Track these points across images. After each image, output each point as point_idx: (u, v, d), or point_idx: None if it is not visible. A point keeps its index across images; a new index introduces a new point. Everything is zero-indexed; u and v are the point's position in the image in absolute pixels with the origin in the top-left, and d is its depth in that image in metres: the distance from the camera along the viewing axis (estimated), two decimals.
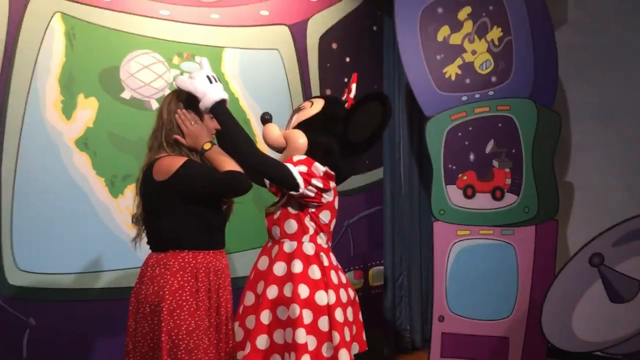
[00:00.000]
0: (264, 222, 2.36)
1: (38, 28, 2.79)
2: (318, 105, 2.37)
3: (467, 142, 3.26)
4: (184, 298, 2.00)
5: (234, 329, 2.26)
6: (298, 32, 3.70)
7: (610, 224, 2.43)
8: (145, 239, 2.15)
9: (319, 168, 2.23)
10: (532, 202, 3.02)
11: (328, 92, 3.78)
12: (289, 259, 2.24)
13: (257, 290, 2.28)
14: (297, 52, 3.70)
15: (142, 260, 2.12)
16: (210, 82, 2.08)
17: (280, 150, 2.37)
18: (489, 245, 3.13)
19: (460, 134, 3.28)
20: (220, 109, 2.10)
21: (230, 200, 2.17)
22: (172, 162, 2.02)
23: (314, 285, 2.20)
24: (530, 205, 3.02)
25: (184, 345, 1.96)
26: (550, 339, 2.52)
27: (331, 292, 2.21)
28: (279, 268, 2.24)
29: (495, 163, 3.16)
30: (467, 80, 3.28)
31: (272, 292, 2.21)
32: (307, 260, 2.24)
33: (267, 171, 2.21)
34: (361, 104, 2.31)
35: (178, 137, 2.08)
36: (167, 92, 2.37)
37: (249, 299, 2.30)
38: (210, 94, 2.07)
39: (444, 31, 3.37)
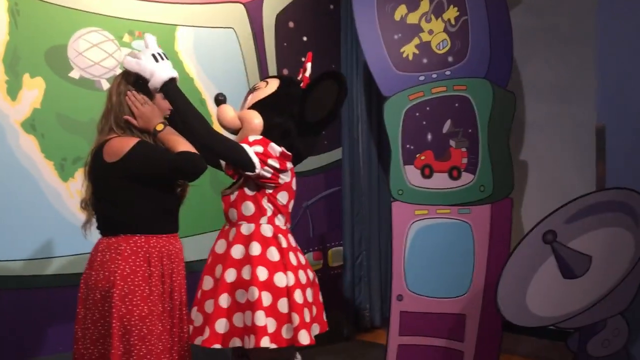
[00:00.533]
0: (221, 205, 2.32)
1: None
2: (273, 85, 2.34)
3: (424, 122, 3.27)
4: (136, 283, 1.96)
5: (193, 313, 2.23)
6: (254, 11, 3.63)
7: (562, 202, 2.47)
8: (95, 224, 2.08)
9: (275, 148, 2.20)
10: (487, 181, 3.06)
11: (285, 71, 3.73)
12: (246, 241, 2.21)
13: (215, 274, 2.25)
14: (253, 30, 3.63)
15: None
16: (157, 60, 2.02)
17: (235, 131, 2.32)
18: (446, 225, 3.16)
19: (417, 114, 3.29)
20: (170, 88, 2.04)
21: (184, 182, 2.12)
22: (123, 143, 1.96)
23: (273, 268, 2.19)
24: (486, 184, 3.06)
25: (136, 332, 1.92)
26: (505, 315, 2.56)
27: (290, 274, 2.20)
28: (237, 251, 2.21)
29: (452, 143, 3.18)
30: (425, 60, 3.28)
31: (230, 275, 2.18)
32: (265, 243, 2.22)
33: (221, 151, 2.17)
34: (316, 83, 2.29)
35: (129, 118, 2.02)
36: (118, 71, 2.28)
37: (207, 283, 2.27)
38: (158, 73, 2.01)
39: (401, 10, 3.34)
